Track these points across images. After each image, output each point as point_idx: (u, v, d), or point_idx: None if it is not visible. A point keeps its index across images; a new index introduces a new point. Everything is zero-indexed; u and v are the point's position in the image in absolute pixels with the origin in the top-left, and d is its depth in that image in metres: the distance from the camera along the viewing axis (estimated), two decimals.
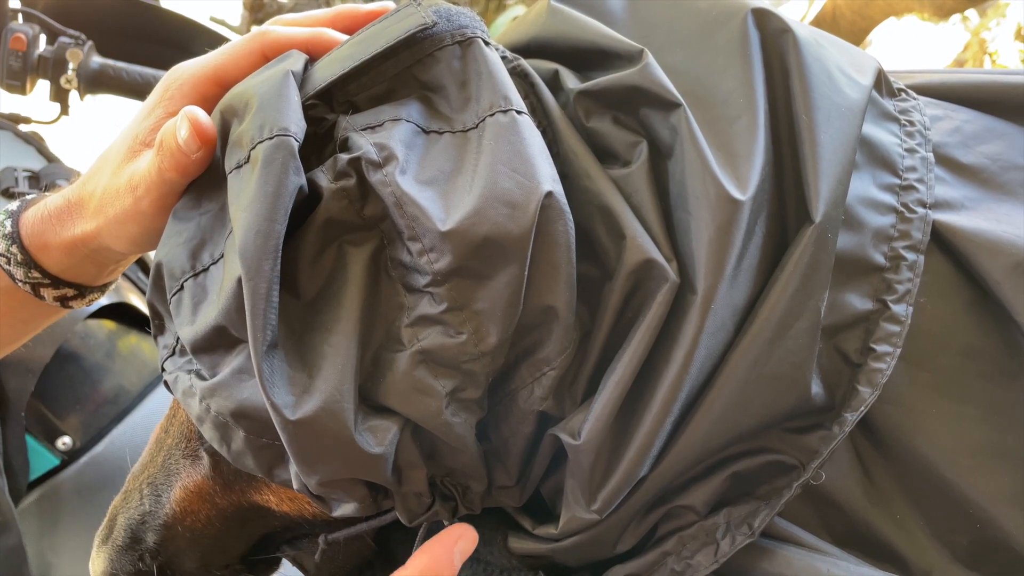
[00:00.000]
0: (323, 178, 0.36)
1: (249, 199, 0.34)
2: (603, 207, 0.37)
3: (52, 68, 0.91)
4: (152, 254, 0.43)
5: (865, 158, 0.42)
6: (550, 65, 0.43)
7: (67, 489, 0.84)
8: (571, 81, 0.41)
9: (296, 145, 0.35)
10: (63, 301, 0.50)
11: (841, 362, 0.40)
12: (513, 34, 0.47)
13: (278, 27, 0.44)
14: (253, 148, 0.35)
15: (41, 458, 0.83)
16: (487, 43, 0.39)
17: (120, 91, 0.94)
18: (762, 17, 0.40)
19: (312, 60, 0.44)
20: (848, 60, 0.43)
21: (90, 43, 0.93)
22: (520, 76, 0.42)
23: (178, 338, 0.40)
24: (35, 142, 0.92)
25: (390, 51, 0.38)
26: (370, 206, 0.36)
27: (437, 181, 0.36)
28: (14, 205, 0.49)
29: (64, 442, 0.84)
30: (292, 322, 0.36)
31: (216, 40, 1.07)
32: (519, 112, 0.36)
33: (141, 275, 0.95)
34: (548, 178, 0.35)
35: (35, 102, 0.97)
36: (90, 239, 0.46)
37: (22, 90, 0.91)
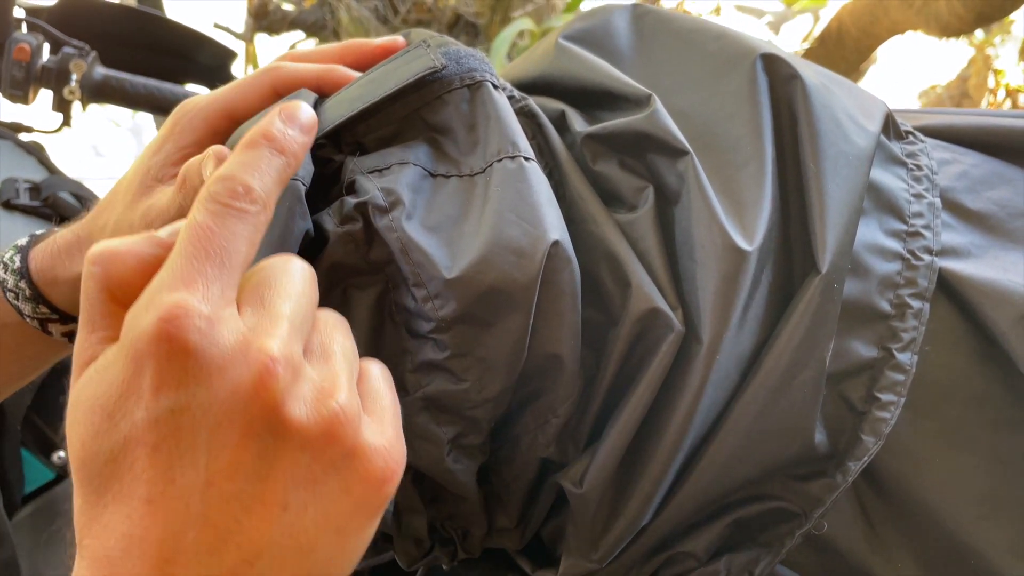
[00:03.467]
0: (329, 222, 0.36)
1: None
2: (609, 253, 0.37)
3: (55, 79, 0.90)
4: None
5: (872, 203, 0.42)
6: (557, 105, 0.42)
7: (62, 503, 0.83)
8: (578, 123, 0.41)
9: (303, 190, 0.34)
10: (71, 337, 0.49)
11: (845, 409, 0.40)
12: (520, 69, 0.47)
13: (289, 63, 0.44)
14: None
15: (36, 471, 0.83)
16: (496, 86, 0.39)
17: (123, 102, 0.94)
18: (771, 63, 0.40)
19: (322, 97, 0.44)
20: (856, 104, 0.42)
21: (94, 54, 0.92)
22: (527, 116, 0.42)
23: None
24: (36, 152, 0.92)
25: (399, 93, 0.38)
26: (375, 250, 0.36)
27: (443, 227, 0.35)
28: (23, 240, 0.49)
29: (60, 456, 0.83)
30: None
31: (220, 51, 1.07)
32: (527, 159, 0.36)
33: None
34: (555, 226, 0.35)
35: (37, 111, 0.97)
36: None
37: (25, 100, 0.91)
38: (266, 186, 0.29)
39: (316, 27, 1.55)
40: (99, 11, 0.99)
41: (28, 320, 0.47)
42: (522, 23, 1.40)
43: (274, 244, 0.33)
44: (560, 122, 0.42)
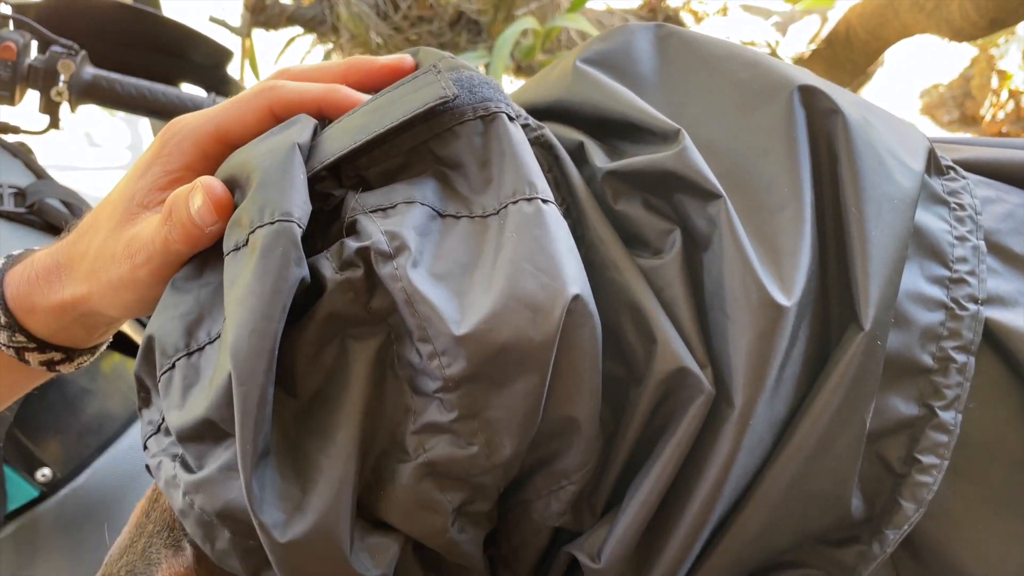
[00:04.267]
0: (327, 267, 0.32)
1: (244, 292, 0.31)
2: (632, 304, 0.34)
3: (43, 79, 0.87)
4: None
5: (913, 247, 0.38)
6: (575, 135, 0.39)
7: (46, 522, 0.80)
8: (598, 158, 0.38)
9: (299, 232, 0.31)
10: (50, 365, 0.47)
11: (882, 470, 0.37)
12: (534, 92, 0.44)
13: (288, 82, 0.41)
14: (252, 232, 0.32)
15: (19, 489, 0.80)
16: (511, 118, 0.36)
17: (114, 104, 0.90)
18: (809, 95, 0.37)
19: (322, 122, 0.41)
20: (898, 139, 0.39)
21: (83, 53, 0.89)
22: (543, 147, 0.38)
23: (163, 416, 0.37)
24: (23, 155, 0.88)
25: (406, 125, 0.35)
26: (377, 299, 0.32)
27: (452, 275, 0.32)
28: None
29: (44, 473, 0.80)
30: (286, 424, 0.32)
31: (215, 49, 1.04)
32: (545, 201, 0.33)
33: None
34: (575, 279, 0.32)
35: (24, 110, 0.93)
36: (80, 303, 0.43)
37: (11, 100, 0.87)
38: None
39: (315, 22, 1.51)
40: (90, 8, 0.96)
41: (3, 349, 0.45)
42: (526, 22, 1.37)
43: (267, 296, 0.30)
44: (578, 154, 0.39)
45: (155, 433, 0.38)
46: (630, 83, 0.41)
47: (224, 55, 1.04)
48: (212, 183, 0.36)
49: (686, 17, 1.56)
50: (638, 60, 0.42)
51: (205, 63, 1.03)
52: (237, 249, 0.33)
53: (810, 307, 0.34)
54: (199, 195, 0.36)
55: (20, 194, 0.83)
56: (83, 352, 0.49)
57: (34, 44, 0.91)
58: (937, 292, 0.38)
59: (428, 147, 0.35)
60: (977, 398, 0.38)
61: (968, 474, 0.37)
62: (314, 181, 0.35)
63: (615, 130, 0.39)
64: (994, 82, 3.12)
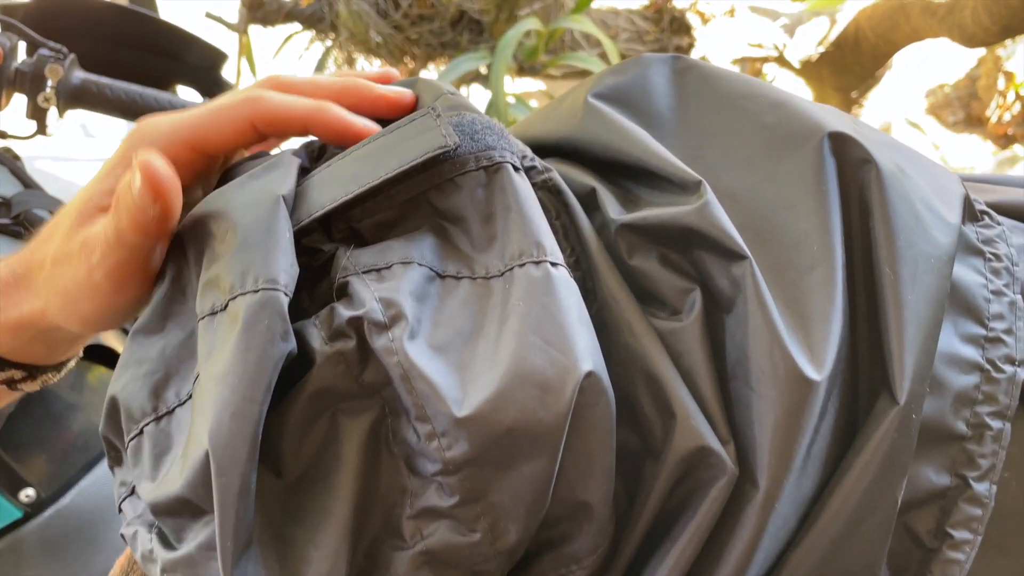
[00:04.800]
0: (316, 336, 0.30)
1: (225, 368, 0.28)
2: (648, 373, 0.31)
3: (30, 83, 0.84)
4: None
5: (946, 303, 0.36)
6: (586, 180, 0.37)
7: (30, 543, 0.78)
8: (612, 208, 0.35)
9: (285, 302, 0.29)
10: (10, 384, 0.44)
11: (911, 543, 0.34)
12: (541, 127, 0.41)
13: (274, 95, 0.37)
14: (233, 299, 0.29)
15: (2, 510, 0.77)
16: (517, 168, 0.33)
17: (103, 108, 0.87)
18: (840, 143, 0.34)
19: (309, 152, 0.38)
20: (932, 186, 0.37)
21: (72, 56, 0.85)
22: (552, 192, 0.36)
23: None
24: (8, 162, 0.85)
25: (403, 175, 0.32)
26: (371, 372, 0.30)
27: (453, 345, 0.30)
28: None
29: (28, 494, 0.78)
30: (271, 510, 0.30)
31: (210, 52, 1.00)
32: (554, 264, 0.30)
33: None
34: (588, 353, 0.29)
35: (11, 115, 0.90)
36: (37, 318, 0.40)
37: None
38: None
39: (313, 19, 1.47)
40: (80, 9, 0.92)
41: None
42: (529, 23, 1.34)
43: (250, 375, 0.28)
44: (590, 200, 0.36)
45: (129, 496, 0.35)
46: (645, 121, 0.38)
47: (218, 57, 1.01)
48: (149, 159, 0.33)
49: (692, 18, 1.53)
50: (653, 96, 0.39)
51: (199, 65, 0.99)
52: (214, 314, 0.30)
53: (840, 376, 0.32)
54: (137, 175, 0.33)
55: (5, 204, 0.80)
56: (47, 369, 0.45)
57: (22, 46, 0.88)
58: (972, 353, 0.36)
59: (426, 198, 0.33)
60: (1013, 466, 0.35)
61: (1002, 546, 0.35)
62: (301, 234, 0.32)
63: (629, 174, 0.37)
64: (1000, 83, 3.09)
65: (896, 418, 0.31)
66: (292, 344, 0.29)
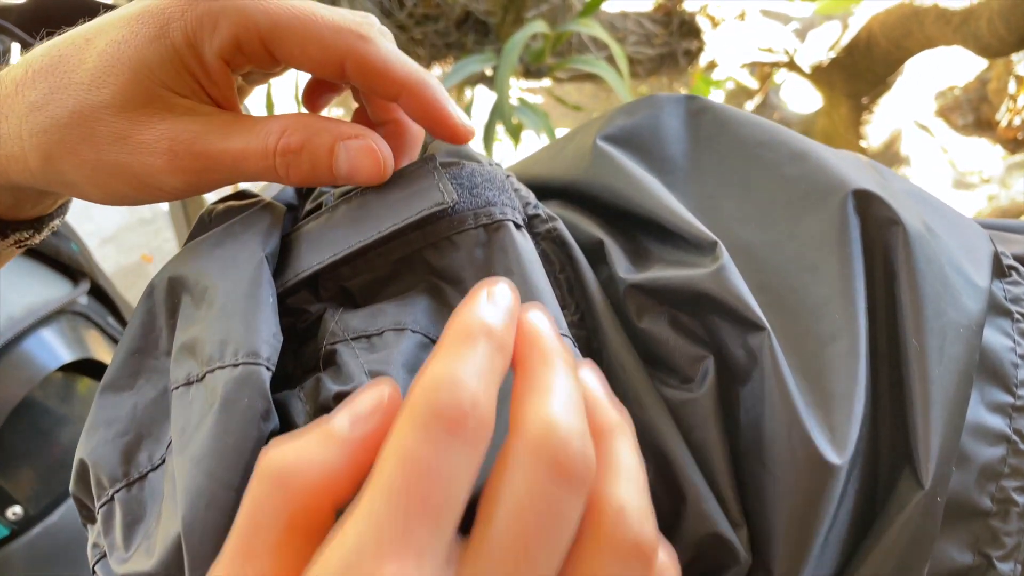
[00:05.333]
0: (300, 410, 0.28)
1: (200, 451, 0.26)
2: (657, 449, 0.29)
3: None
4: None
5: None
6: (593, 231, 0.35)
7: (17, 561, 0.76)
8: (621, 265, 0.33)
9: (267, 376, 0.27)
10: None
11: None
12: (547, 166, 0.39)
13: (383, 44, 0.32)
14: (211, 371, 0.27)
15: None
16: (519, 225, 0.31)
17: None
18: (865, 202, 0.32)
19: (295, 212, 0.36)
20: (960, 244, 0.35)
21: None
22: (556, 243, 0.34)
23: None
24: None
25: (397, 234, 0.30)
26: None
27: None
28: None
29: (15, 512, 0.76)
30: None
31: None
32: (561, 335, 0.28)
33: (111, 320, 0.86)
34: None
35: None
36: (16, 169, 0.32)
37: None
38: (492, 397, 0.21)
39: None
40: (75, 11, 0.90)
41: None
42: (536, 25, 1.31)
43: (228, 458, 0.26)
44: (597, 252, 0.34)
45: (101, 559, 0.33)
46: (657, 167, 0.36)
47: None
48: (375, 145, 0.31)
49: (703, 21, 1.50)
50: (666, 140, 0.37)
51: None
52: (189, 383, 0.28)
53: (860, 456, 0.30)
54: (349, 156, 0.31)
55: None
56: (19, 226, 0.38)
57: (16, 48, 0.85)
58: (998, 423, 0.34)
59: (422, 256, 0.31)
60: None
61: None
62: (287, 294, 0.30)
63: (640, 225, 0.35)
64: (1011, 87, 3.05)
65: (920, 503, 0.29)
66: (274, 423, 0.27)
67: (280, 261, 0.31)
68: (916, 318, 0.30)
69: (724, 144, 0.36)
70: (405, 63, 0.32)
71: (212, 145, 0.31)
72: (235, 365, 0.27)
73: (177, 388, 0.28)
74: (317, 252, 0.30)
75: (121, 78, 0.30)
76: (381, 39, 0.32)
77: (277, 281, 0.30)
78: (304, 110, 0.39)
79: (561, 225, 0.34)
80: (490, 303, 0.24)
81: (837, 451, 0.28)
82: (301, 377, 0.29)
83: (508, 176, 0.36)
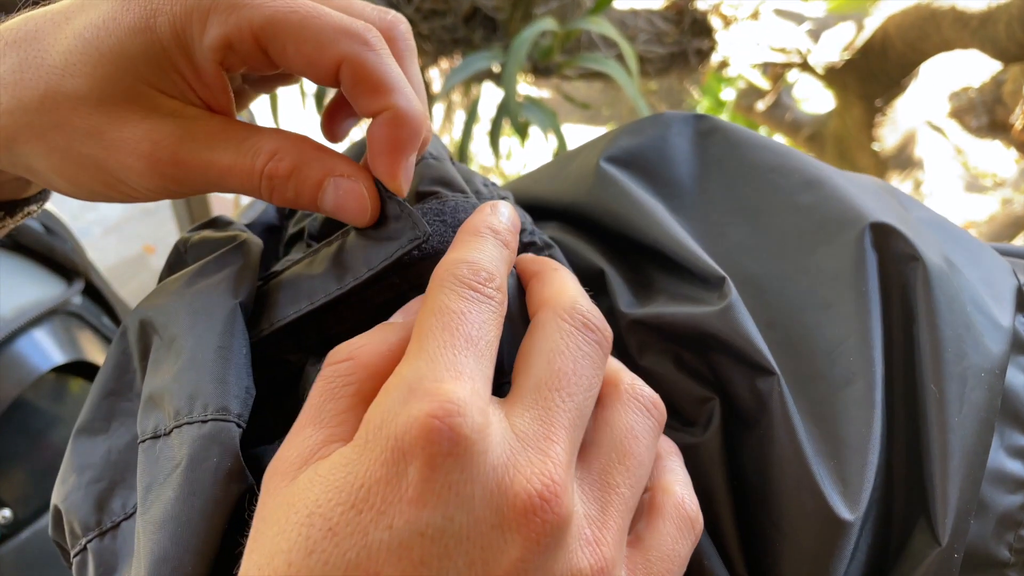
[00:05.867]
0: None
1: (165, 513, 0.24)
2: None
3: None
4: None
5: None
6: (593, 259, 0.33)
7: (6, 566, 0.75)
8: (623, 298, 0.31)
9: (238, 435, 0.25)
10: None
11: None
12: (548, 185, 0.37)
13: (389, 57, 0.30)
14: (179, 427, 0.25)
15: None
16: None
17: None
18: (884, 236, 0.30)
19: (280, 209, 0.34)
20: (982, 278, 0.33)
21: None
22: None
23: None
24: None
25: (376, 278, 0.28)
26: None
27: None
28: None
29: (4, 515, 0.75)
30: None
31: None
32: None
33: (106, 320, 0.85)
34: None
35: None
36: None
37: None
38: (503, 276, 0.26)
39: None
40: None
41: None
42: (544, 23, 1.29)
43: (194, 523, 0.24)
44: (597, 282, 0.32)
45: None
46: (662, 190, 0.35)
47: None
48: (365, 190, 0.29)
49: (715, 21, 1.48)
50: (673, 162, 0.35)
51: None
52: (156, 437, 0.26)
53: (873, 508, 0.28)
54: (337, 194, 0.29)
55: None
56: None
57: None
58: (1019, 468, 0.32)
59: (406, 299, 0.29)
60: None
61: None
62: (262, 347, 0.28)
63: (643, 252, 0.33)
64: None
65: (937, 559, 0.27)
66: (247, 483, 0.25)
67: (256, 308, 0.29)
68: (935, 363, 0.29)
69: (734, 168, 0.34)
70: (404, 83, 0.30)
71: (197, 155, 0.29)
72: (203, 421, 0.25)
73: (144, 441, 0.27)
74: (294, 301, 0.29)
75: (100, 69, 0.28)
76: (384, 49, 0.30)
77: (252, 330, 0.28)
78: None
79: (559, 253, 0.33)
80: (492, 213, 0.28)
81: (850, 506, 0.26)
82: (281, 433, 0.28)
83: (504, 198, 0.35)
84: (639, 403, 0.26)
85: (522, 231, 0.33)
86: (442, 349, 0.22)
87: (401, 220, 0.29)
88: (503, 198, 0.34)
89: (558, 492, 0.21)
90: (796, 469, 0.27)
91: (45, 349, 0.76)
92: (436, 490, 0.20)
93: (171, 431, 0.26)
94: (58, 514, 0.29)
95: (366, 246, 0.29)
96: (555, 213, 0.36)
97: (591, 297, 0.32)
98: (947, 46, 1.48)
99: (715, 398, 0.29)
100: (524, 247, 0.32)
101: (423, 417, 0.20)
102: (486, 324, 0.24)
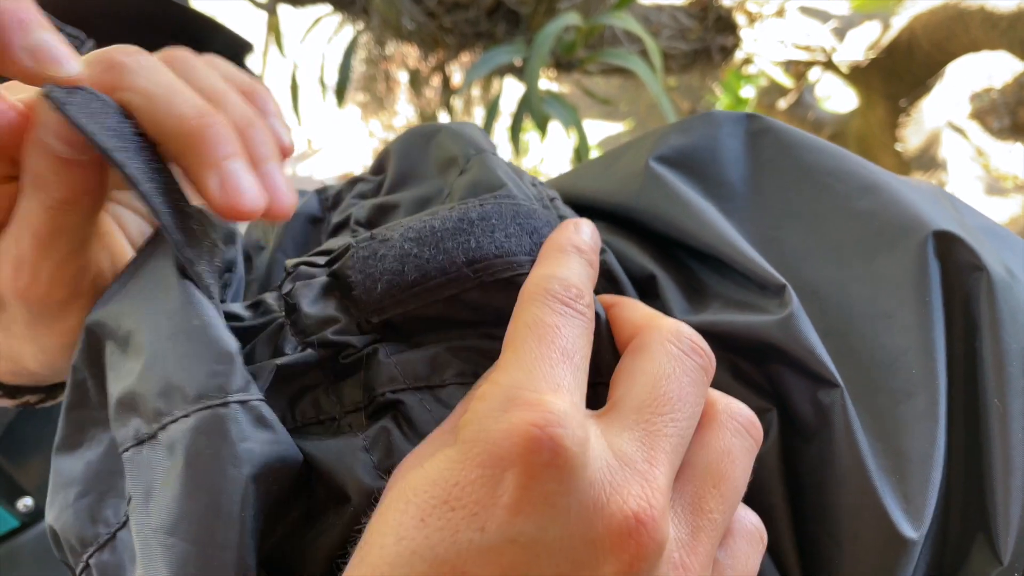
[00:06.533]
0: (366, 465, 0.25)
1: (172, 517, 0.23)
2: None
3: None
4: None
5: None
6: (644, 263, 0.32)
7: (26, 553, 0.75)
8: (676, 303, 0.30)
9: (231, 416, 0.24)
10: (26, 404, 0.35)
11: None
12: (594, 184, 0.36)
13: (159, 77, 0.26)
14: (163, 427, 0.24)
15: None
16: None
17: None
18: (947, 245, 0.29)
19: (322, 199, 0.34)
20: None
21: (90, 43, 0.81)
22: (606, 278, 0.31)
23: None
24: None
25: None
26: None
27: None
28: None
29: (25, 503, 0.75)
30: None
31: (234, 41, 0.96)
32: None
33: None
34: None
35: None
36: None
37: None
38: (591, 294, 0.26)
39: (344, 2, 1.42)
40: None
41: None
42: (569, 17, 1.28)
43: (206, 518, 0.22)
44: (648, 286, 0.32)
45: None
46: (713, 192, 0.34)
47: (244, 48, 0.96)
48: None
49: (740, 18, 1.47)
50: (724, 163, 0.34)
51: (223, 55, 0.95)
52: (140, 442, 0.25)
53: (932, 525, 0.27)
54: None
55: None
56: (22, 390, 0.35)
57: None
58: None
59: (470, 296, 0.28)
60: None
61: None
62: (324, 323, 0.28)
63: (695, 256, 0.32)
64: None
65: None
66: (257, 463, 0.24)
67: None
68: (999, 377, 0.28)
69: (788, 170, 0.33)
70: (202, 109, 0.26)
71: None
72: (186, 415, 0.24)
73: (127, 450, 0.25)
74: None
75: None
76: (154, 71, 0.26)
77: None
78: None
79: (612, 258, 0.32)
80: (577, 231, 0.29)
81: (913, 524, 0.25)
82: (346, 414, 0.27)
83: (553, 199, 0.34)
84: (737, 423, 0.25)
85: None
86: (539, 361, 0.22)
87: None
88: (552, 199, 0.33)
89: (655, 517, 0.20)
90: (858, 485, 0.26)
91: None
92: (532, 499, 0.19)
93: (156, 434, 0.24)
94: (55, 535, 0.28)
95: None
96: (601, 213, 0.35)
97: (642, 301, 0.31)
98: (975, 46, 1.46)
99: (773, 409, 0.28)
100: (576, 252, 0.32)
101: (524, 425, 0.20)
102: (579, 339, 0.24)
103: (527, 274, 0.27)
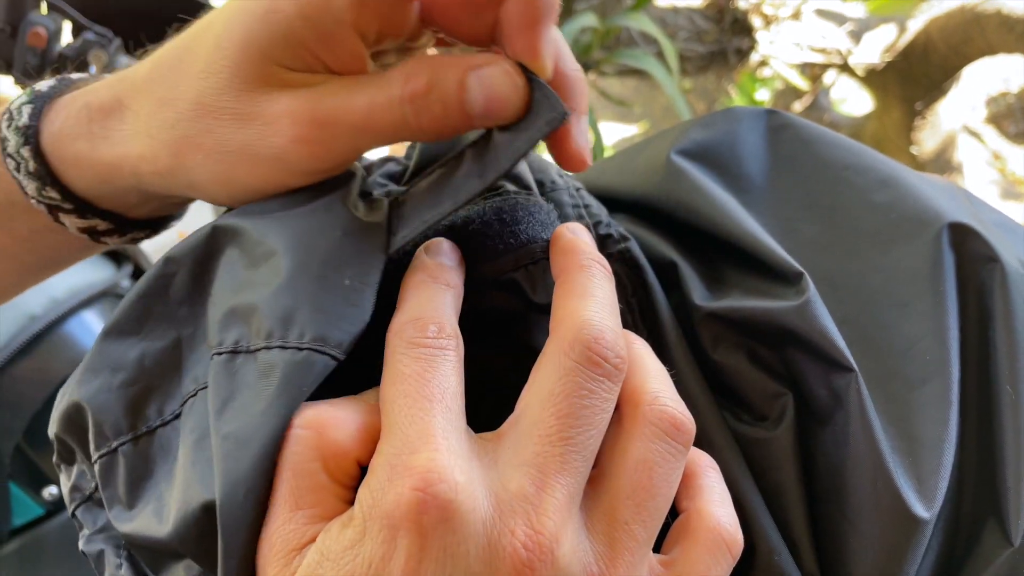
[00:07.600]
0: None
1: (246, 432, 0.24)
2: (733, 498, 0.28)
3: (72, 70, 0.81)
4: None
5: None
6: (667, 253, 0.33)
7: (51, 541, 0.76)
8: (696, 290, 0.31)
9: (329, 368, 0.25)
10: (92, 234, 0.36)
11: None
12: (616, 177, 0.37)
13: None
14: (268, 348, 0.25)
15: (24, 507, 0.76)
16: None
17: None
18: (961, 236, 0.30)
19: (389, 175, 0.35)
20: None
21: (117, 42, 0.83)
22: (629, 266, 0.32)
23: (96, 485, 0.29)
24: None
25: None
26: None
27: None
28: (45, 84, 0.34)
29: (51, 492, 0.76)
30: None
31: None
32: None
33: None
34: None
35: None
36: (147, 169, 0.31)
37: None
38: (452, 320, 0.26)
39: None
40: None
41: (33, 202, 0.34)
42: (585, 18, 1.29)
43: (275, 446, 0.24)
44: (669, 274, 0.33)
45: (85, 501, 0.31)
46: (733, 184, 0.35)
47: None
48: (511, 67, 0.28)
49: (756, 20, 1.47)
50: (744, 156, 0.35)
51: None
52: (236, 352, 0.26)
53: (944, 508, 0.28)
54: (483, 84, 0.27)
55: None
56: (137, 224, 0.36)
57: (67, 27, 0.85)
58: None
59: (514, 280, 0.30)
60: None
61: None
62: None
63: (715, 246, 0.33)
64: None
65: (1008, 561, 0.27)
66: None
67: (392, 221, 0.29)
68: (1012, 364, 0.29)
69: (806, 164, 0.34)
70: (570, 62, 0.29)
71: (332, 108, 0.28)
72: (299, 348, 0.25)
73: (221, 354, 0.26)
74: (436, 204, 0.29)
75: (231, 59, 0.28)
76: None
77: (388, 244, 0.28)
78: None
79: (635, 246, 0.33)
80: (429, 253, 0.28)
81: (925, 504, 0.26)
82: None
83: (579, 189, 0.35)
84: (657, 428, 0.24)
85: (598, 223, 0.33)
86: (410, 419, 0.23)
87: (540, 104, 0.28)
88: (577, 189, 0.34)
89: (545, 544, 0.21)
90: (872, 465, 0.27)
91: (94, 329, 0.77)
92: (433, 556, 0.21)
93: (258, 350, 0.25)
94: (78, 410, 0.28)
95: (510, 139, 0.28)
96: (624, 205, 0.36)
97: (662, 289, 0.32)
98: (991, 50, 1.46)
99: (788, 393, 0.29)
100: (601, 240, 0.32)
101: (407, 492, 0.21)
102: (446, 377, 0.24)
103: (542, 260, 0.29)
